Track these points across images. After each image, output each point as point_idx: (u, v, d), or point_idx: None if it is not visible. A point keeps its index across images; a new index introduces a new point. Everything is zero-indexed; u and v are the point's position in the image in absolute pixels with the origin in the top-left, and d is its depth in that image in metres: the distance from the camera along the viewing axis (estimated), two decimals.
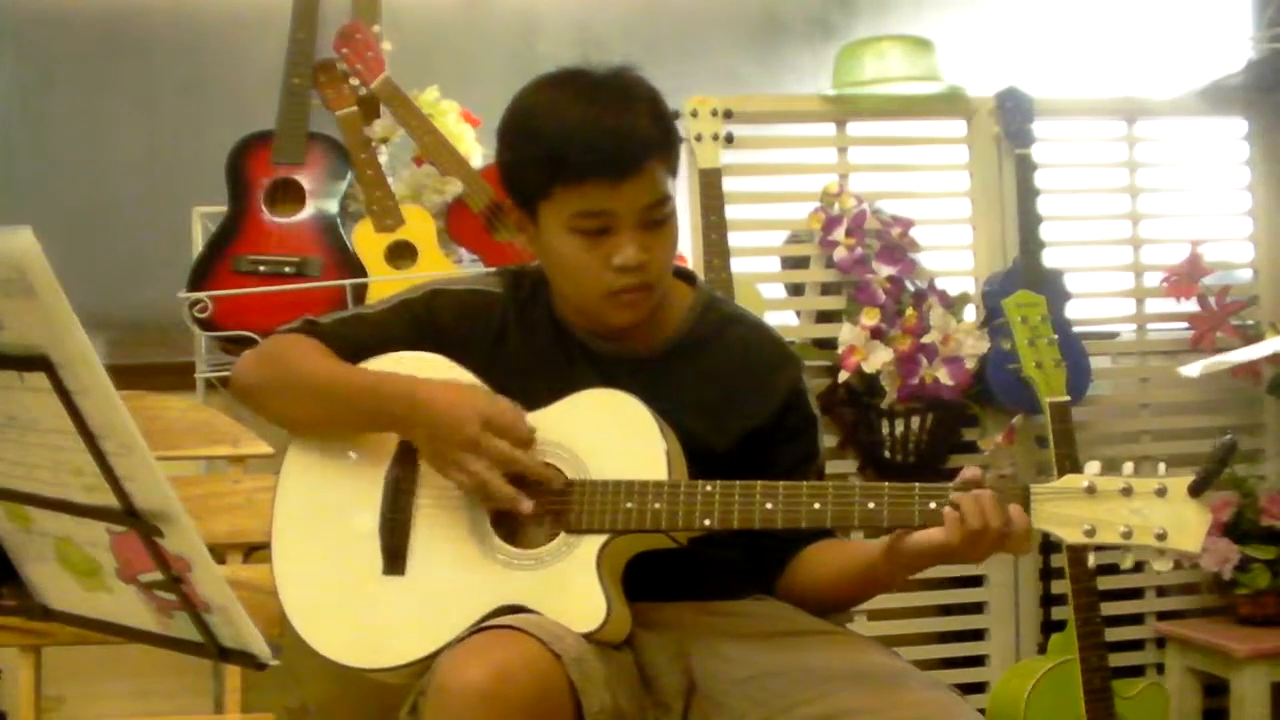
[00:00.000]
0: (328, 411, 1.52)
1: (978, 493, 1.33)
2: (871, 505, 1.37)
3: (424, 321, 1.58)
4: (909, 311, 2.69)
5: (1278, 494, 2.80)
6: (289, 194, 2.58)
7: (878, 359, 2.64)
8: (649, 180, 1.45)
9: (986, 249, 2.88)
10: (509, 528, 1.46)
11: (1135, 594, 2.93)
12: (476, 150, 2.67)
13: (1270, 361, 2.86)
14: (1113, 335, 3.02)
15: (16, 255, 0.86)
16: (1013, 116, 2.82)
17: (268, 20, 2.75)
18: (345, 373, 1.51)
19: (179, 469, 2.11)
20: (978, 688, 2.79)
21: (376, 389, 1.48)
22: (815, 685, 1.37)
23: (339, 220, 2.58)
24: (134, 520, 0.99)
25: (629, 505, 1.40)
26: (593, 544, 1.40)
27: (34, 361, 0.92)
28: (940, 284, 2.78)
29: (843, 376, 2.66)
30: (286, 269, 2.49)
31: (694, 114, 2.68)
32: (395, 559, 1.47)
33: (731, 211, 2.69)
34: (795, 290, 2.89)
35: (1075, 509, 1.33)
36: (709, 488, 1.40)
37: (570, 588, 1.39)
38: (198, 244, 2.57)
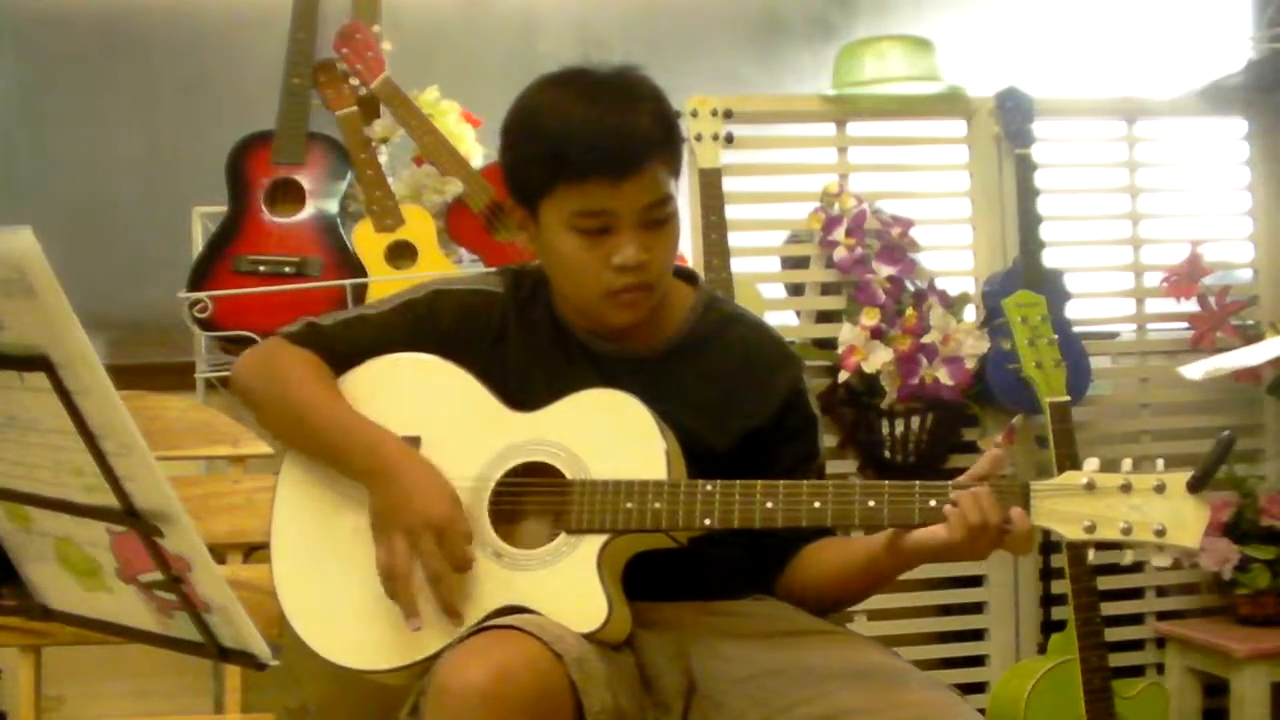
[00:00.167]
0: (306, 444, 1.53)
1: (976, 489, 1.33)
2: (872, 503, 1.37)
3: (426, 322, 1.58)
4: (909, 311, 2.69)
5: (1278, 494, 2.80)
6: (289, 194, 2.58)
7: (878, 359, 2.64)
8: (650, 180, 1.44)
9: (986, 249, 2.89)
10: (509, 528, 1.46)
11: (1135, 594, 2.93)
12: (476, 150, 2.67)
13: (1270, 363, 2.86)
14: (1113, 335, 3.03)
15: (16, 255, 0.86)
16: (1013, 116, 2.82)
17: (268, 20, 2.75)
18: (335, 413, 1.50)
19: (179, 469, 2.11)
20: (978, 688, 2.79)
21: (356, 442, 1.47)
22: (815, 685, 1.37)
23: (339, 220, 2.58)
24: (134, 520, 0.99)
25: (629, 505, 1.40)
26: (593, 544, 1.40)
27: (34, 361, 0.92)
28: (940, 284, 2.78)
29: (843, 376, 2.66)
30: (286, 269, 2.49)
31: (694, 114, 2.68)
32: None
33: (731, 211, 2.69)
34: (795, 290, 2.89)
35: (1075, 505, 1.33)
36: (709, 487, 1.40)
37: (571, 588, 1.39)
38: (198, 244, 2.57)
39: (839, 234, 2.74)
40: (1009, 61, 3.11)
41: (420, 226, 2.54)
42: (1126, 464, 1.34)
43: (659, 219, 1.47)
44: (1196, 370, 2.36)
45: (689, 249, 2.68)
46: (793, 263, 2.87)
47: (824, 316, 2.84)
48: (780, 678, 1.40)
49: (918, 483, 1.37)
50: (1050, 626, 2.75)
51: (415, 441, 1.49)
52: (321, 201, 2.58)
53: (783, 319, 2.87)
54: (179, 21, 2.86)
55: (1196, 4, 3.29)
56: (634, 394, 1.46)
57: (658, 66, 1.54)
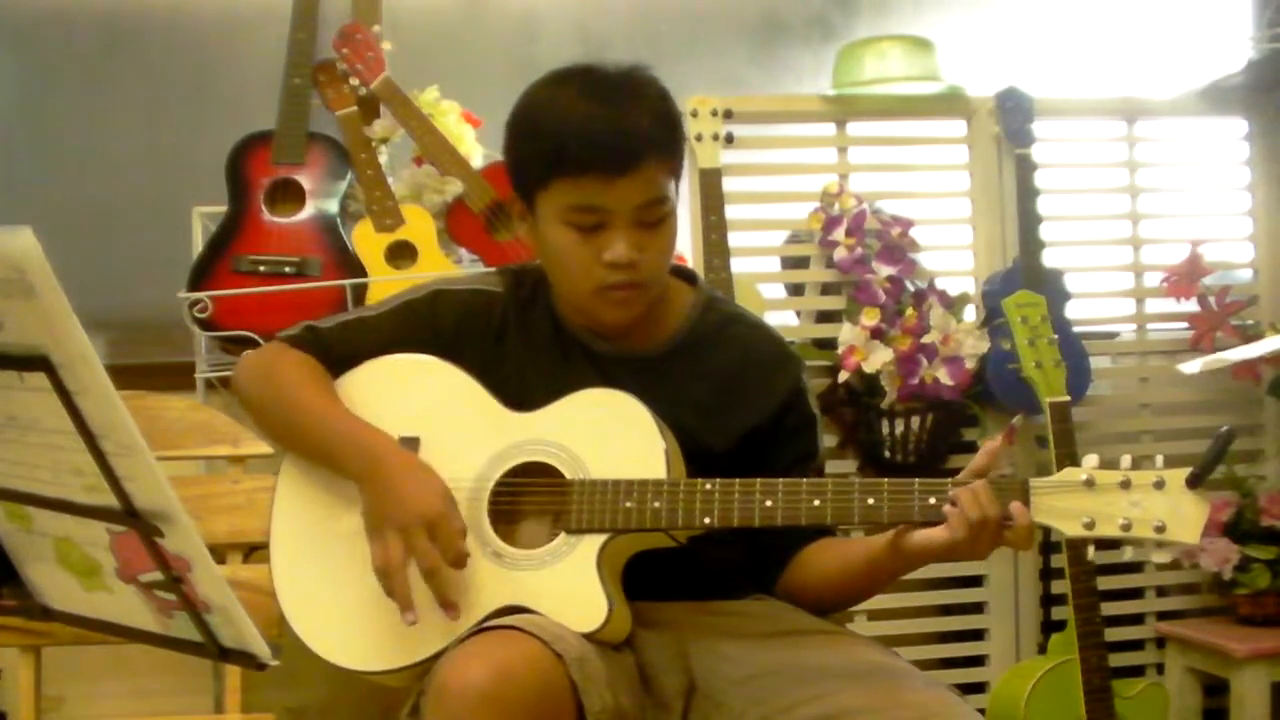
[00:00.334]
0: (301, 446, 1.53)
1: (974, 485, 1.33)
2: (871, 501, 1.37)
3: (426, 323, 1.58)
4: (909, 311, 2.69)
5: (1278, 494, 2.80)
6: (289, 194, 2.58)
7: (878, 359, 2.64)
8: (646, 179, 1.44)
9: (986, 249, 2.89)
10: (508, 528, 1.46)
11: (1135, 594, 2.93)
12: (476, 150, 2.67)
13: (1270, 363, 2.86)
14: (1113, 335, 3.03)
15: (16, 255, 0.86)
16: (1013, 116, 2.82)
17: (268, 20, 2.75)
18: (328, 415, 1.50)
19: (179, 469, 2.11)
20: (978, 688, 2.79)
21: (348, 441, 1.47)
22: (815, 685, 1.37)
23: (339, 220, 2.58)
24: (134, 520, 0.99)
25: (628, 504, 1.40)
26: (593, 543, 1.40)
27: (34, 361, 0.92)
28: (940, 284, 2.78)
29: (843, 376, 2.66)
30: (286, 269, 2.49)
31: (694, 114, 2.68)
32: None
33: (731, 211, 2.69)
34: (795, 290, 2.89)
35: (1074, 502, 1.33)
36: (708, 486, 1.40)
37: (571, 588, 1.39)
38: (198, 244, 2.57)
39: (839, 234, 2.74)
40: (1009, 61, 3.11)
41: (420, 226, 2.54)
42: (1126, 460, 1.34)
43: (653, 219, 1.47)
44: (1195, 365, 2.36)
45: (689, 249, 2.68)
46: (793, 263, 2.87)
47: (824, 316, 2.84)
48: (780, 678, 1.39)
49: (917, 480, 1.37)
50: (1050, 626, 2.75)
51: (414, 442, 1.49)
52: (321, 201, 2.58)
53: (783, 319, 2.87)
54: (179, 21, 2.86)
55: (1196, 4, 3.29)
56: (633, 394, 1.45)
57: (658, 67, 1.53)
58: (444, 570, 1.37)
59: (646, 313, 1.57)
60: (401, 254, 2.53)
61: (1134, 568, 2.84)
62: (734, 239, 2.68)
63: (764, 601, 1.57)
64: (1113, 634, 2.63)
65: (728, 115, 2.72)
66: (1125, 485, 1.32)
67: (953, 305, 2.75)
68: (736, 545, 1.55)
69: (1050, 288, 2.70)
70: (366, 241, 2.53)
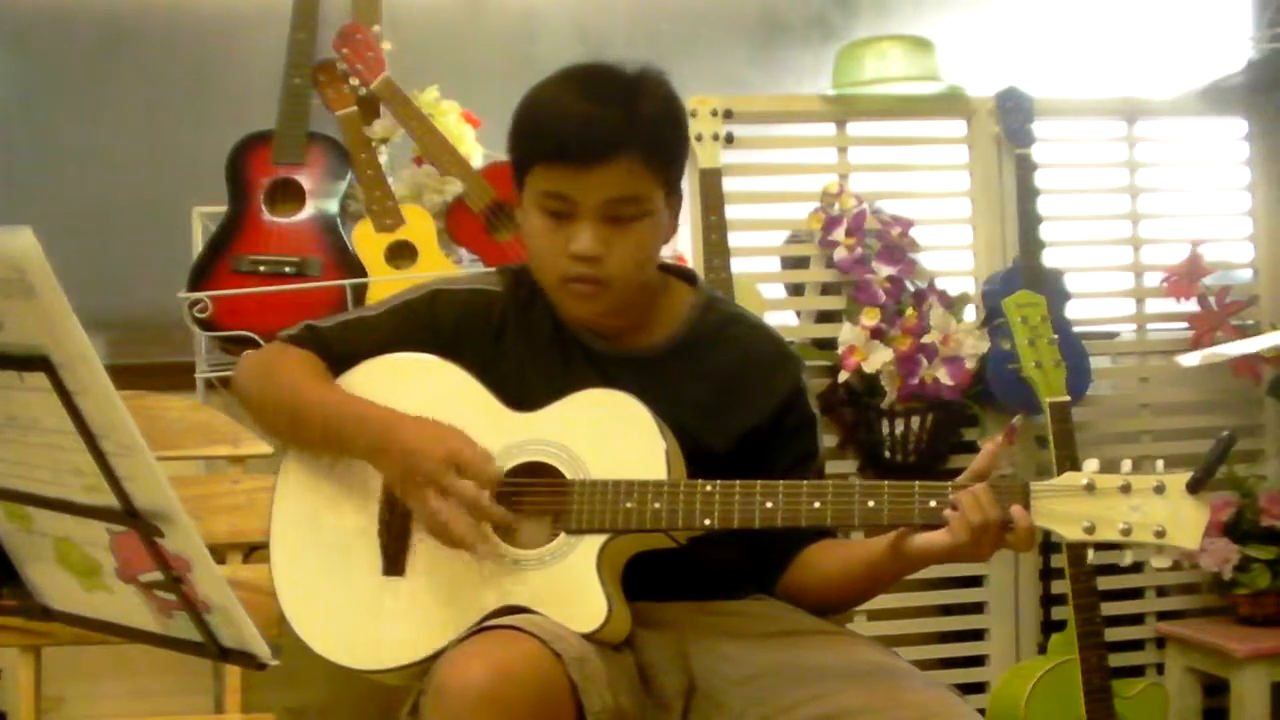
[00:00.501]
0: (306, 435, 1.53)
1: (974, 488, 1.34)
2: (871, 504, 1.37)
3: (425, 323, 1.58)
4: (909, 311, 2.69)
5: (1278, 494, 2.80)
6: (289, 194, 2.58)
7: (878, 359, 2.64)
8: (619, 175, 1.44)
9: (986, 249, 2.89)
10: (509, 528, 1.46)
11: (1135, 594, 2.93)
12: (476, 150, 2.66)
13: (1270, 363, 2.87)
14: (1113, 335, 3.03)
15: (16, 255, 0.86)
16: (1013, 116, 2.82)
17: (268, 20, 2.75)
18: (327, 398, 1.51)
19: (179, 469, 2.11)
20: (978, 688, 2.79)
21: (350, 417, 1.47)
22: (815, 685, 1.37)
23: (339, 220, 2.58)
24: (134, 520, 0.99)
25: (629, 505, 1.40)
26: (593, 544, 1.40)
27: (34, 361, 0.92)
28: (940, 284, 2.78)
29: (843, 376, 2.66)
30: (286, 269, 2.49)
31: (694, 114, 2.67)
32: (395, 560, 1.47)
33: (731, 211, 2.69)
34: (795, 290, 2.89)
35: (1074, 506, 1.33)
36: (709, 487, 1.40)
37: (571, 588, 1.39)
38: (198, 244, 2.57)
39: (839, 234, 2.74)
40: (1009, 61, 3.11)
41: (420, 226, 2.54)
42: (1126, 465, 1.34)
43: (624, 215, 1.47)
44: (1194, 357, 2.36)
45: (689, 249, 2.68)
46: (793, 263, 2.87)
47: (824, 316, 2.84)
48: (780, 678, 1.40)
49: (917, 483, 1.37)
50: (1050, 626, 2.75)
51: (415, 416, 1.49)
52: (321, 201, 2.58)
53: (783, 319, 2.87)
54: (179, 21, 2.86)
55: (1196, 4, 3.29)
56: (633, 394, 1.46)
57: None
58: (483, 499, 1.37)
59: (645, 312, 1.57)
60: (401, 254, 2.53)
61: (1134, 568, 2.81)
62: (734, 239, 2.68)
63: (764, 602, 1.57)
64: (1113, 634, 2.64)
65: (728, 115, 2.72)
66: (1125, 490, 1.32)
67: (953, 305, 2.75)
68: (736, 546, 1.55)
69: (1050, 288, 2.70)
70: (366, 241, 2.53)
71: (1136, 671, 2.86)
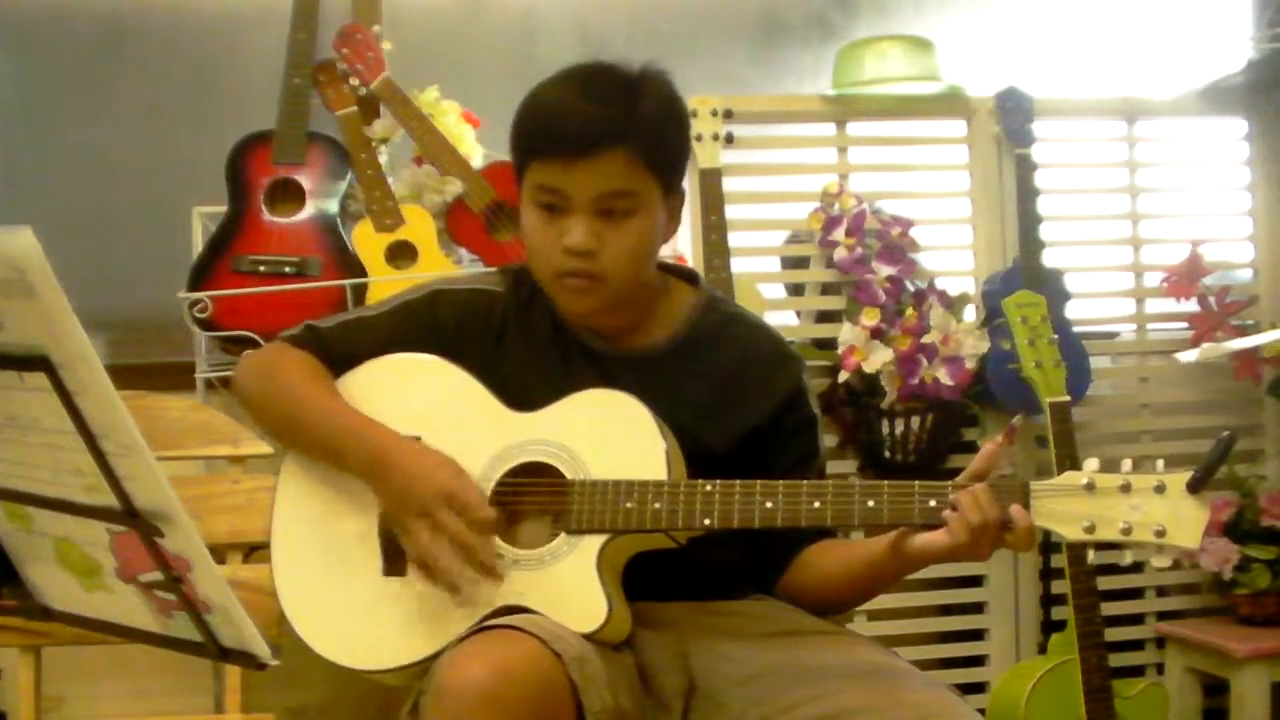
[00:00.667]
0: (304, 443, 1.53)
1: (973, 488, 1.34)
2: (871, 503, 1.37)
3: (426, 323, 1.58)
4: (909, 311, 2.69)
5: (1278, 494, 2.80)
6: (289, 194, 2.58)
7: (878, 359, 2.64)
8: (609, 169, 1.44)
9: (986, 249, 2.89)
10: (509, 528, 1.46)
11: (1135, 594, 2.93)
12: (476, 150, 2.67)
13: (1270, 363, 2.87)
14: (1113, 335, 3.03)
15: (16, 255, 0.86)
16: (1013, 116, 2.82)
17: (268, 20, 2.75)
18: (328, 410, 1.50)
19: (179, 469, 2.11)
20: (978, 688, 2.79)
21: (348, 433, 1.47)
22: (815, 685, 1.37)
23: (339, 220, 2.58)
24: (134, 520, 0.99)
25: (629, 505, 1.40)
26: (593, 544, 1.40)
27: (34, 361, 0.92)
28: (940, 284, 2.78)
29: (843, 376, 2.66)
30: (286, 269, 2.49)
31: (694, 114, 2.67)
32: (395, 560, 1.46)
33: (731, 211, 2.69)
34: (795, 290, 2.89)
35: (1074, 506, 1.33)
36: (709, 487, 1.40)
37: (571, 588, 1.39)
38: (198, 244, 2.57)
39: (839, 234, 2.74)
40: (1009, 61, 3.11)
41: (420, 226, 2.54)
42: (1126, 464, 1.34)
43: (616, 210, 1.47)
44: (1192, 354, 2.36)
45: (689, 249, 2.68)
46: (793, 263, 2.87)
47: (824, 316, 2.84)
48: (780, 678, 1.40)
49: (917, 483, 1.37)
50: (1050, 626, 2.75)
51: (415, 442, 1.49)
52: (321, 201, 2.57)
53: (783, 319, 2.87)
54: (179, 21, 2.86)
55: (1196, 4, 3.29)
56: (634, 394, 1.46)
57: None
58: (474, 539, 1.37)
59: (645, 312, 1.57)
60: (401, 254, 2.53)
61: (1134, 568, 2.83)
62: (734, 239, 2.68)
63: (764, 602, 1.57)
64: (1113, 634, 2.64)
65: (728, 115, 2.72)
66: (1126, 489, 1.32)
67: (953, 305, 2.75)
68: (736, 546, 1.55)
69: (1050, 288, 2.70)
70: (366, 241, 2.53)
71: (1136, 671, 2.86)
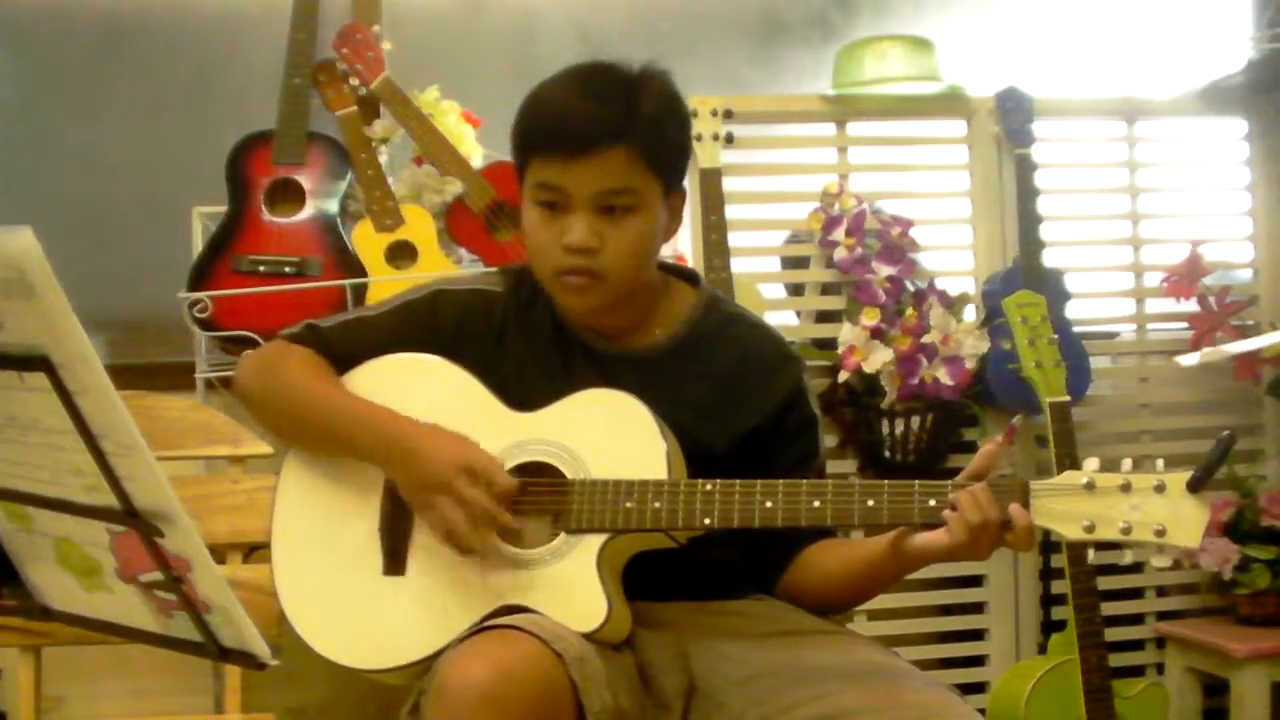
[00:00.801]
0: (311, 435, 1.53)
1: (973, 488, 1.34)
2: (871, 503, 1.37)
3: (427, 323, 1.58)
4: (909, 311, 2.69)
5: (1278, 494, 2.80)
6: (289, 194, 2.58)
7: (878, 359, 2.64)
8: (608, 166, 1.45)
9: (986, 249, 2.89)
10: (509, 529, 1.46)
11: (1135, 594, 2.93)
12: (476, 150, 2.67)
13: (1270, 363, 2.87)
14: (1113, 335, 3.03)
15: (16, 255, 0.86)
16: (1013, 116, 2.82)
17: (268, 20, 2.75)
18: (333, 399, 1.51)
19: (179, 469, 2.11)
20: (978, 688, 2.79)
21: (360, 421, 1.47)
22: (815, 685, 1.37)
23: (339, 220, 2.58)
24: (134, 520, 0.99)
25: (629, 505, 1.40)
26: (593, 543, 1.40)
27: (34, 361, 0.92)
28: (940, 284, 2.79)
29: (843, 376, 2.66)
30: (286, 269, 2.49)
31: (694, 114, 2.65)
32: (396, 559, 1.47)
33: (731, 211, 2.69)
34: (795, 290, 2.89)
35: (1074, 505, 1.33)
36: (709, 487, 1.40)
37: (571, 587, 1.39)
38: (198, 244, 2.57)
39: (839, 234, 2.74)
40: (1009, 61, 3.11)
41: (420, 226, 2.54)
42: (1126, 464, 1.34)
43: (615, 207, 1.47)
44: (1193, 357, 2.36)
45: (689, 249, 2.68)
46: (793, 263, 2.87)
47: (824, 316, 2.84)
48: (780, 678, 1.40)
49: (917, 482, 1.37)
50: (1050, 626, 2.75)
51: (424, 423, 1.49)
52: (321, 201, 2.58)
53: (783, 319, 2.87)
54: (179, 21, 2.86)
55: (1196, 4, 3.29)
56: (634, 394, 1.46)
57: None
58: (494, 508, 1.38)
59: (646, 312, 1.57)
60: (401, 254, 2.53)
61: (1134, 568, 2.84)
62: (734, 239, 2.68)
63: (764, 601, 1.57)
64: (1113, 634, 2.64)
65: (728, 115, 2.72)
66: (1126, 488, 1.32)
67: (953, 305, 2.75)
68: (736, 545, 1.55)
69: (1050, 288, 2.70)
70: (366, 241, 2.53)
71: (1136, 671, 2.86)
